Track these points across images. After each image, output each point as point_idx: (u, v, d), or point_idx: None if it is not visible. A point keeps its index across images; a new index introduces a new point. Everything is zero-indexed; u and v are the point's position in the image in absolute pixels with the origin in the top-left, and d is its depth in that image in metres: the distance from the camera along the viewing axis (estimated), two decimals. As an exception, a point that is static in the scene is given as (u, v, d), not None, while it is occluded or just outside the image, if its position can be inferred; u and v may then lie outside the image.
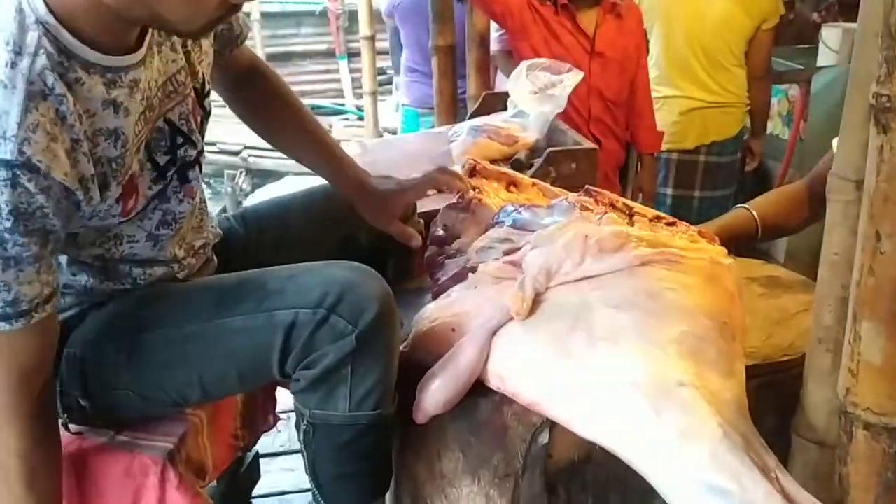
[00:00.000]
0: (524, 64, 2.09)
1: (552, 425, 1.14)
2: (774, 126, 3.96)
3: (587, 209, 1.31)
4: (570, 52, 2.72)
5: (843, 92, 1.04)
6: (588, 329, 1.12)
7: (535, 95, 1.93)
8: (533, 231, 1.29)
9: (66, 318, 1.24)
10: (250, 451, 1.61)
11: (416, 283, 1.52)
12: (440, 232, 1.49)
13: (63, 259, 1.22)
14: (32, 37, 1.02)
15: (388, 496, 1.35)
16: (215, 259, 1.45)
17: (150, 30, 1.17)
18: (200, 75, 1.30)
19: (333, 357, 1.14)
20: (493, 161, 1.88)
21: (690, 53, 2.93)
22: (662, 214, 1.35)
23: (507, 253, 1.29)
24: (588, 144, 1.88)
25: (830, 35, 3.28)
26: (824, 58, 3.35)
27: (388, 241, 1.59)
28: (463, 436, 1.20)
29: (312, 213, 1.57)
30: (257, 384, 1.36)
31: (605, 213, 1.27)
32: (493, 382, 1.17)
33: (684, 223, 1.33)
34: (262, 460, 1.79)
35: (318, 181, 1.60)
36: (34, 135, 1.00)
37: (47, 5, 1.03)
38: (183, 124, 1.25)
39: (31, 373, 1.09)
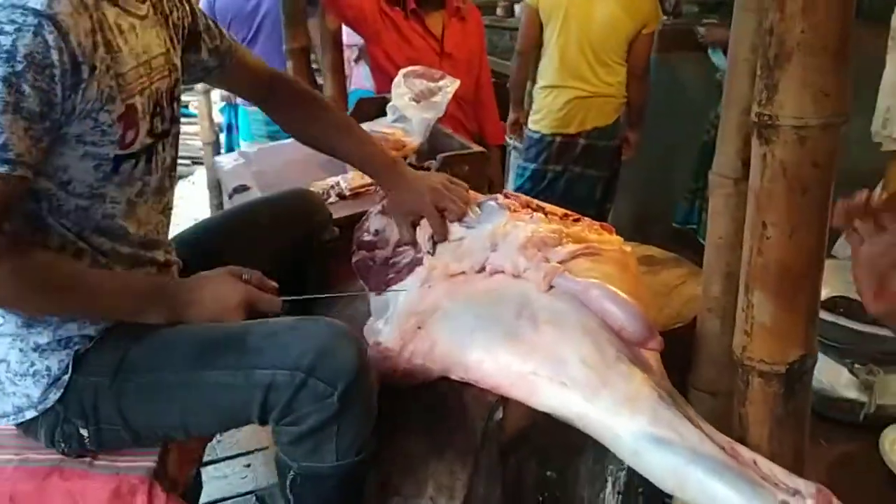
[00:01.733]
0: (402, 72, 2.23)
1: (505, 402, 1.31)
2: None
3: (515, 211, 1.47)
4: (422, 55, 2.88)
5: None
6: (531, 316, 1.28)
7: (417, 102, 2.06)
8: (466, 230, 1.45)
9: (84, 347, 1.26)
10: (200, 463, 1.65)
11: (339, 289, 1.61)
12: (368, 237, 1.60)
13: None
14: None
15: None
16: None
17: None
18: (172, 78, 1.37)
19: (317, 418, 1.19)
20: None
21: (579, 50, 3.22)
22: (569, 212, 1.54)
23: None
24: (476, 148, 2.05)
25: (719, 59, 3.67)
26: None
27: (308, 252, 1.69)
28: (429, 421, 1.34)
29: (240, 232, 1.62)
30: (237, 427, 1.41)
31: (534, 214, 1.45)
32: (458, 374, 1.30)
33: (587, 218, 1.54)
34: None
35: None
36: None
37: None
38: (161, 98, 1.32)
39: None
